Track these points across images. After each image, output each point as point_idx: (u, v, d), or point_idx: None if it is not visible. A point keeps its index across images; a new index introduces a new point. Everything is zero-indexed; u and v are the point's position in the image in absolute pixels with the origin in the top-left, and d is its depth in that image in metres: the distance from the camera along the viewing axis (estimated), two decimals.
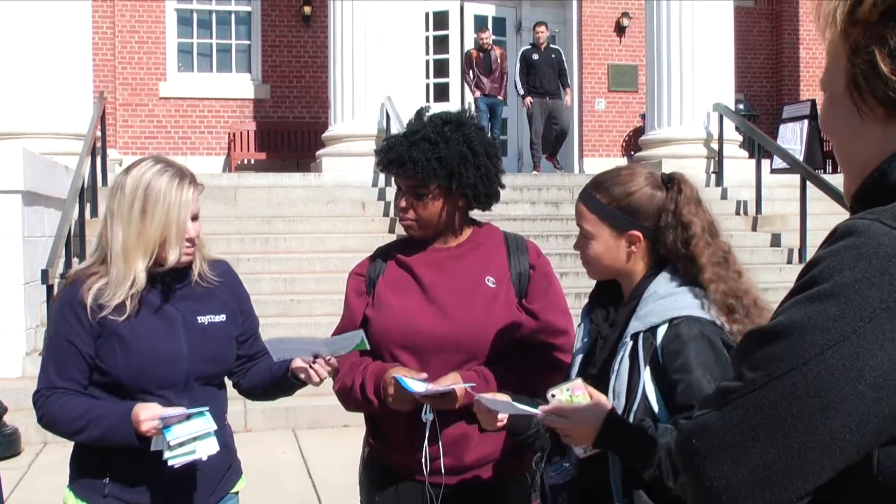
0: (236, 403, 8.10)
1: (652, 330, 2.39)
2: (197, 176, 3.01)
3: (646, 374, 2.37)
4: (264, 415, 8.27)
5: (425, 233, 3.10)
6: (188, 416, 2.76)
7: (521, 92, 15.89)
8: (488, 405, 2.66)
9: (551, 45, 16.35)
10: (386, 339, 3.01)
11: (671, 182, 2.56)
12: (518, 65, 15.96)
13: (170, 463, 2.73)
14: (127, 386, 2.85)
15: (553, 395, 2.41)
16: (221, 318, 3.04)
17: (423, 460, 2.94)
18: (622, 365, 2.42)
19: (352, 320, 3.15)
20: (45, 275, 8.43)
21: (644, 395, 2.36)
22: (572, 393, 2.40)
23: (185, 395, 2.89)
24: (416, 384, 2.85)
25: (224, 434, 3.03)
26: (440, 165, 2.96)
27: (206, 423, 2.78)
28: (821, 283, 1.24)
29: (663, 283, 2.47)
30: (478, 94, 16.06)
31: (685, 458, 1.30)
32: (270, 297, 10.18)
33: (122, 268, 2.82)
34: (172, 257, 2.87)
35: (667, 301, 2.41)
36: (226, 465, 3.08)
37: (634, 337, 2.42)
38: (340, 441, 7.53)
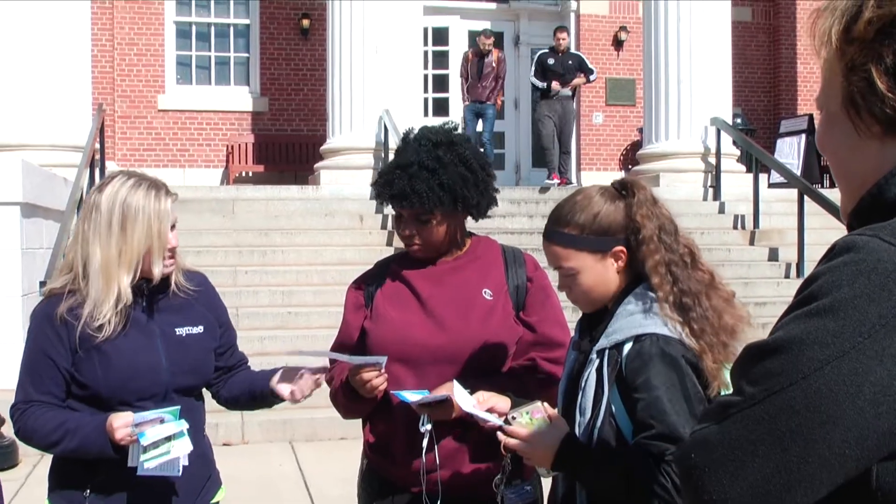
0: (234, 415, 8.16)
1: (618, 346, 2.38)
2: (171, 187, 3.01)
3: (611, 392, 2.36)
4: (261, 427, 8.27)
5: (431, 254, 3.11)
6: (161, 420, 2.77)
7: (541, 84, 15.12)
8: (458, 401, 2.69)
9: (571, 51, 15.75)
10: (383, 351, 3.01)
11: (625, 189, 2.54)
12: (533, 67, 15.48)
13: (146, 466, 2.74)
14: (106, 398, 2.86)
15: (513, 418, 2.47)
16: (199, 329, 3.05)
17: (421, 472, 2.93)
18: (588, 381, 2.42)
19: (348, 334, 3.17)
20: (43, 286, 8.41)
21: (608, 412, 2.36)
22: (532, 416, 2.46)
23: (164, 406, 2.89)
24: (412, 394, 2.86)
25: (202, 445, 3.07)
26: (444, 192, 2.96)
27: (178, 423, 2.80)
28: (820, 298, 1.25)
29: (634, 298, 2.45)
30: (468, 101, 15.54)
31: (684, 472, 1.31)
32: (268, 310, 10.19)
33: (102, 286, 2.82)
34: (157, 270, 2.89)
35: (634, 318, 2.40)
36: (205, 476, 3.10)
37: (601, 354, 2.41)
38: (337, 454, 7.52)
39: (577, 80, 15.27)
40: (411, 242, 3.08)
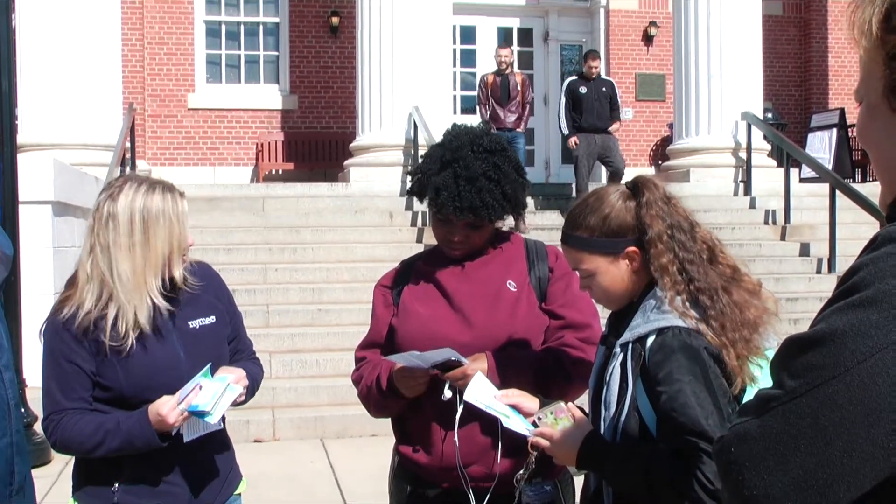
0: (265, 412, 8.21)
1: (641, 340, 2.38)
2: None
3: (636, 385, 2.36)
4: (292, 424, 8.29)
5: (470, 252, 3.12)
6: (200, 387, 2.79)
7: (566, 131, 13.41)
8: (473, 390, 2.70)
9: (602, 77, 13.97)
10: (411, 347, 3.01)
11: (636, 188, 2.53)
12: (563, 98, 13.50)
13: (215, 419, 2.80)
14: (129, 398, 2.85)
15: (539, 419, 2.53)
16: (212, 319, 3.05)
17: (458, 464, 2.93)
18: (613, 375, 2.42)
19: (378, 331, 3.19)
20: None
21: (632, 405, 2.36)
22: (556, 416, 2.50)
23: None
24: (410, 356, 2.86)
25: (220, 434, 3.08)
26: (507, 202, 3.01)
27: (220, 380, 2.84)
28: (862, 290, 1.23)
29: (656, 294, 2.44)
30: (493, 128, 12.49)
31: (723, 466, 1.29)
32: (298, 307, 10.22)
33: (134, 295, 2.81)
34: (179, 271, 2.89)
35: (657, 312, 2.39)
36: (228, 468, 3.10)
37: (624, 347, 2.41)
38: (368, 450, 7.53)
39: (613, 126, 13.60)
40: (458, 246, 3.09)
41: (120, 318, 2.81)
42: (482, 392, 2.73)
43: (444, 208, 3.00)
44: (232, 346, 3.17)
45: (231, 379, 2.87)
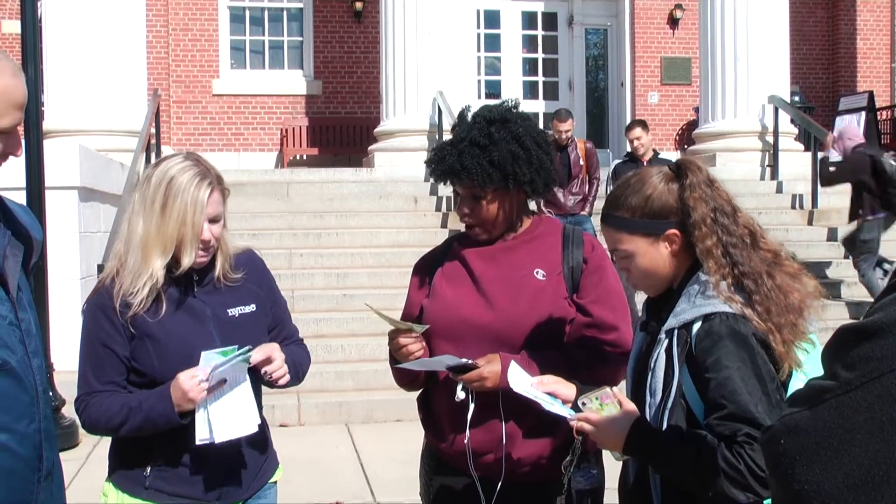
0: (290, 397, 8.23)
1: (687, 326, 2.35)
2: (223, 179, 2.94)
3: (682, 372, 2.34)
4: (318, 409, 8.31)
5: (490, 235, 3.09)
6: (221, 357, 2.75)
7: None
8: (511, 380, 2.68)
9: (658, 156, 10.93)
10: (436, 328, 3.01)
11: (679, 170, 2.50)
12: (610, 178, 10.87)
13: (217, 437, 2.75)
14: (162, 384, 2.82)
15: (584, 404, 2.50)
16: (252, 307, 3.00)
17: (467, 453, 2.94)
18: (658, 362, 2.40)
19: (410, 311, 3.20)
20: (100, 270, 8.52)
21: (679, 392, 2.34)
22: (601, 401, 2.48)
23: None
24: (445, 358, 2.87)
25: (260, 425, 3.01)
26: (494, 169, 2.94)
27: (238, 353, 2.76)
28: None
29: (700, 280, 2.41)
30: (549, 212, 9.78)
31: (772, 458, 1.25)
32: (323, 292, 10.23)
33: (139, 260, 2.79)
34: (186, 260, 2.82)
35: (702, 297, 2.36)
36: (263, 456, 3.07)
37: (669, 334, 2.38)
38: (393, 436, 7.54)
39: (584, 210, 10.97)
40: (468, 221, 3.08)
41: (126, 280, 2.80)
42: (520, 380, 2.72)
43: (433, 173, 3.06)
44: (274, 334, 3.11)
45: (245, 350, 2.80)
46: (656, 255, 2.48)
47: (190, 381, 2.72)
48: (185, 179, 2.79)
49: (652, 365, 2.41)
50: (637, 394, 2.51)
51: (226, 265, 2.96)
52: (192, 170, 2.82)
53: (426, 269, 3.23)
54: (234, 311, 2.96)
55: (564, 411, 2.61)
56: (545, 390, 2.69)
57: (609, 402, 2.46)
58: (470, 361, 2.84)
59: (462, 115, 3.13)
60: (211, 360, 2.75)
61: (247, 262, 3.06)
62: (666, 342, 2.38)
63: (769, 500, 2.16)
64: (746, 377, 2.22)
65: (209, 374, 2.72)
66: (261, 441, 3.04)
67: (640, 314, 2.69)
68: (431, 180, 12.55)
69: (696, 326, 2.33)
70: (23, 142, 2.85)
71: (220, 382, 2.78)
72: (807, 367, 2.29)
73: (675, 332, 2.37)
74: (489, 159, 2.93)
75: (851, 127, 11.91)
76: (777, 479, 1.24)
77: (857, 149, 10.45)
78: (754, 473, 2.16)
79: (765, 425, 2.10)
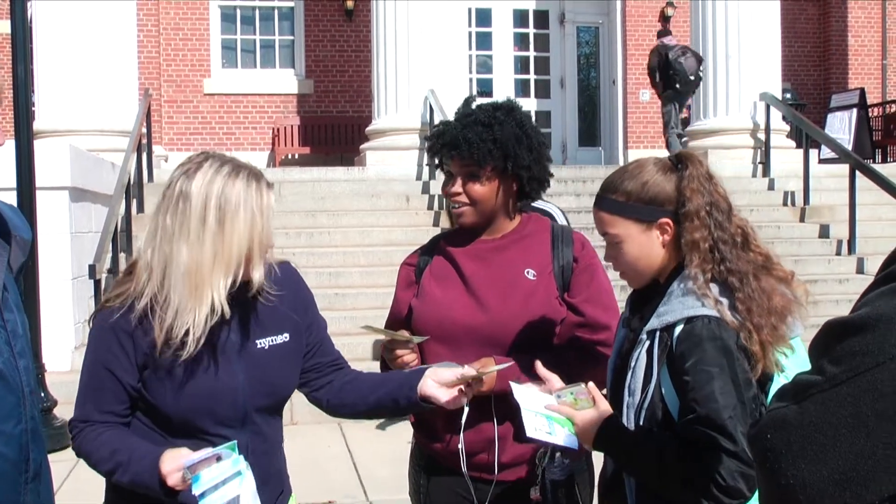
0: None
1: (669, 328, 2.34)
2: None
3: (661, 373, 2.33)
4: (310, 408, 8.21)
5: (477, 219, 3.03)
6: (218, 458, 2.37)
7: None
8: (519, 399, 2.63)
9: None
10: (424, 329, 2.99)
11: (679, 161, 2.50)
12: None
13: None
14: (177, 423, 2.52)
15: (559, 397, 2.52)
16: (284, 337, 2.66)
17: (461, 452, 2.92)
18: (638, 362, 2.39)
19: (398, 311, 3.17)
20: (92, 270, 8.51)
21: (657, 393, 2.33)
22: (576, 396, 2.49)
23: (245, 431, 2.58)
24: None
25: (278, 460, 2.77)
26: (495, 146, 2.92)
27: (234, 463, 2.38)
28: None
29: (685, 278, 2.39)
30: None
31: (759, 453, 1.25)
32: (315, 291, 9.93)
33: (188, 293, 2.40)
34: (258, 274, 2.48)
35: (686, 299, 2.35)
36: (278, 491, 2.76)
37: (651, 334, 2.37)
38: (386, 435, 7.54)
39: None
40: (458, 200, 3.02)
41: (177, 323, 2.41)
42: (530, 400, 2.63)
43: (432, 147, 3.04)
44: (311, 363, 2.81)
45: (250, 476, 2.40)
46: (646, 242, 2.47)
47: (173, 472, 2.37)
48: (241, 186, 2.43)
49: (632, 364, 2.40)
50: (616, 392, 2.51)
51: (263, 277, 2.55)
52: (240, 173, 2.47)
53: (413, 267, 3.19)
54: (265, 342, 2.62)
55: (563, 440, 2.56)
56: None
57: (583, 398, 2.48)
58: (470, 370, 2.78)
59: (468, 100, 3.13)
60: (201, 456, 2.38)
61: (285, 278, 2.72)
62: (647, 343, 2.37)
63: (755, 499, 2.15)
64: (723, 383, 2.22)
65: (188, 465, 2.37)
66: (279, 478, 2.79)
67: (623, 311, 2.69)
68: (423, 179, 12.59)
69: (678, 329, 2.32)
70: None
71: (211, 461, 2.39)
72: (788, 370, 2.28)
73: (657, 332, 2.36)
74: (492, 137, 2.92)
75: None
76: (764, 473, 1.24)
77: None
78: (715, 481, 2.16)
79: (733, 433, 2.11)
